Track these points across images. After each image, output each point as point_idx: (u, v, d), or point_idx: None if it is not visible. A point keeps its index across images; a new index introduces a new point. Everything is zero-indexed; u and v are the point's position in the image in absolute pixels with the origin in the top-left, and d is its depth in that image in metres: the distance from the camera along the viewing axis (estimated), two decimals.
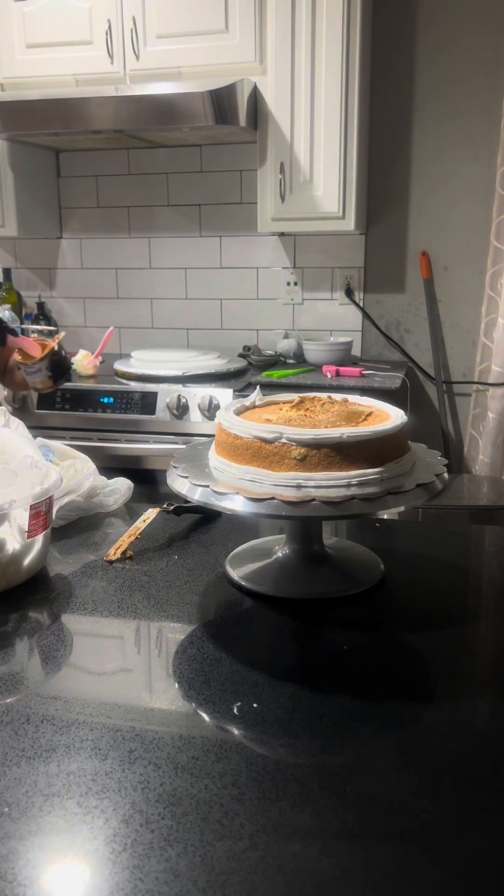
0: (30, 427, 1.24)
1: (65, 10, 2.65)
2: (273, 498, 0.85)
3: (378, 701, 0.75)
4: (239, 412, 1.01)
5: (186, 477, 0.94)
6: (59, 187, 3.23)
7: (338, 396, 1.05)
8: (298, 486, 0.86)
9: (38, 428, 2.45)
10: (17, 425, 1.21)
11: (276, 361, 2.92)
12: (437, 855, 0.56)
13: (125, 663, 0.86)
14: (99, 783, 0.63)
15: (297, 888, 0.53)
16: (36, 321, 3.20)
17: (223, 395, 2.51)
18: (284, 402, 1.06)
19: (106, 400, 2.63)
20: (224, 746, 0.69)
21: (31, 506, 0.97)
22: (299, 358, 2.92)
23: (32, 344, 1.84)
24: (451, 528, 1.32)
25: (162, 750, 0.68)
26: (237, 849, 0.56)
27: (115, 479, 1.30)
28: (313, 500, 0.85)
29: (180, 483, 0.94)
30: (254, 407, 1.06)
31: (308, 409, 1.00)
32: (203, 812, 0.60)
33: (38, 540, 1.01)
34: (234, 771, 0.65)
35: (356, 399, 1.06)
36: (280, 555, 1.02)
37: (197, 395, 2.52)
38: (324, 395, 1.05)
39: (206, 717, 0.74)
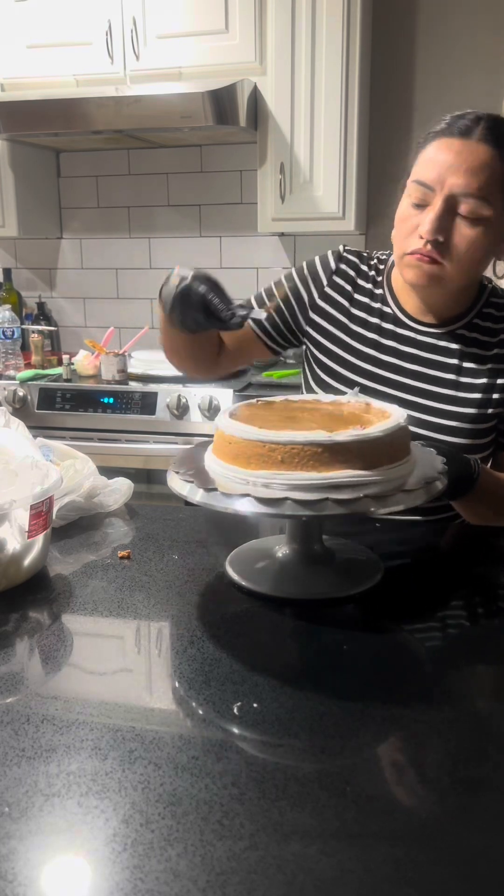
0: (30, 427, 1.24)
1: (65, 10, 2.65)
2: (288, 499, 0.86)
3: (378, 701, 0.75)
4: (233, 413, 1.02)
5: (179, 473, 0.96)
6: (59, 187, 3.23)
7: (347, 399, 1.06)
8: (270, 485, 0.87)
9: (38, 428, 2.45)
10: (17, 425, 1.21)
11: (276, 361, 2.92)
12: (437, 855, 0.56)
13: (125, 663, 0.86)
14: (99, 783, 0.63)
15: (297, 888, 0.53)
16: (36, 321, 3.20)
17: (223, 395, 2.51)
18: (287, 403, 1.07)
19: (106, 400, 2.63)
20: (224, 746, 0.69)
21: (31, 506, 0.97)
22: (299, 358, 2.91)
23: None
24: (451, 528, 1.32)
25: (162, 750, 0.68)
26: (237, 849, 0.56)
27: (115, 479, 1.30)
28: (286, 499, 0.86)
29: (179, 483, 0.95)
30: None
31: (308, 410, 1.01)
32: (203, 812, 0.60)
33: (38, 540, 1.01)
34: (234, 771, 0.65)
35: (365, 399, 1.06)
36: (280, 555, 1.03)
37: (197, 395, 2.52)
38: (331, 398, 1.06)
39: (206, 717, 0.74)
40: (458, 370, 1.22)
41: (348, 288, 1.30)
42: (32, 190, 3.05)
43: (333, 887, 0.54)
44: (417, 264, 1.13)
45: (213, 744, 0.69)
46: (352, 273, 1.30)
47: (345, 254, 1.33)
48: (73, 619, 0.94)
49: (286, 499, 0.85)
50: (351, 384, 1.23)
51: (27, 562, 1.00)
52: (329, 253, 1.33)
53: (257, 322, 1.33)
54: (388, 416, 0.97)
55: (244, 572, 1.00)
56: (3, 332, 2.86)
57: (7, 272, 3.28)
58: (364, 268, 1.31)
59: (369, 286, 1.30)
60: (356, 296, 1.29)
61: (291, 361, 2.92)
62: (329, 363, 1.28)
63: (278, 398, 1.09)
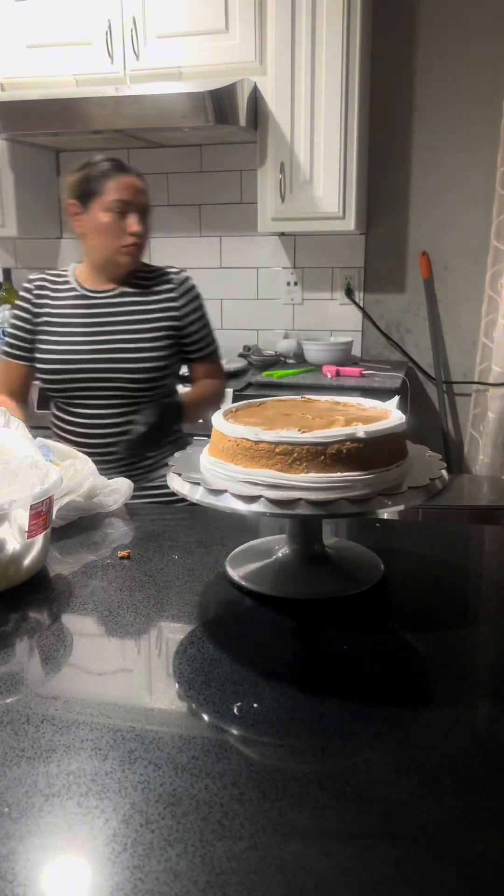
0: (30, 427, 1.24)
1: (65, 10, 2.65)
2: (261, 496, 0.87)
3: (378, 701, 0.75)
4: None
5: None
6: (59, 187, 3.23)
7: (353, 400, 1.07)
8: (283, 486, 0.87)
9: (38, 428, 2.44)
10: (17, 425, 1.21)
11: (276, 361, 2.92)
12: (437, 855, 0.56)
13: (125, 663, 0.86)
14: (99, 783, 0.63)
15: (297, 888, 0.53)
16: None
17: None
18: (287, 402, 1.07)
19: None
20: (224, 746, 0.69)
21: (31, 506, 0.97)
22: (299, 358, 2.92)
23: None
24: (451, 528, 1.32)
25: (162, 750, 0.68)
26: (237, 849, 0.56)
27: (115, 479, 1.30)
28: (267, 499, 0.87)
29: (178, 482, 0.95)
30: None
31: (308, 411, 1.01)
32: (203, 812, 0.60)
33: (38, 540, 1.01)
34: (234, 771, 0.65)
35: (364, 402, 1.06)
36: (280, 555, 1.03)
37: None
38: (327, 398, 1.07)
39: (206, 717, 0.74)
40: (133, 316, 1.73)
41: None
42: (32, 190, 3.04)
43: (333, 887, 0.54)
44: (129, 251, 1.70)
45: (213, 744, 0.69)
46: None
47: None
48: (73, 619, 0.94)
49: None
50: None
51: (27, 562, 1.00)
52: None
53: None
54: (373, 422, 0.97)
55: (244, 572, 1.00)
56: (3, 332, 2.86)
57: (7, 272, 3.27)
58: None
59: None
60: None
61: (291, 361, 2.92)
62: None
63: (324, 398, 1.10)
